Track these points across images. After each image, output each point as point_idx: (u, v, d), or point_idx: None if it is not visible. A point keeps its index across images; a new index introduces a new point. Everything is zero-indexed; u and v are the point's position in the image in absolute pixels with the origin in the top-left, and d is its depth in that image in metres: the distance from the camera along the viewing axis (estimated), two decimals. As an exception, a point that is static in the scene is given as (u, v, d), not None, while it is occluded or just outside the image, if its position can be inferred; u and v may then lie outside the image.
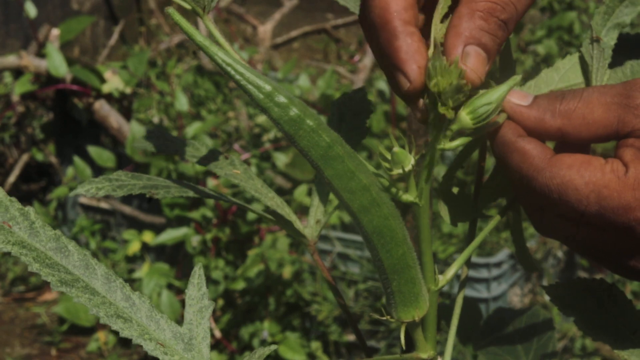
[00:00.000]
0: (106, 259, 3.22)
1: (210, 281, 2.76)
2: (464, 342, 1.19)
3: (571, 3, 3.78)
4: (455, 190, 0.70)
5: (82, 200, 3.43)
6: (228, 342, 2.78)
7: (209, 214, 2.81)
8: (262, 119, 3.11)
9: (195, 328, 0.63)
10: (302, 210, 2.68)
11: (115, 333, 0.63)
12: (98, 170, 3.11)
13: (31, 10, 3.43)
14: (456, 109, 0.57)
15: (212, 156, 0.75)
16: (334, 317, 2.74)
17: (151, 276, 2.90)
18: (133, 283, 3.16)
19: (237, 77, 0.58)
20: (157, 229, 3.09)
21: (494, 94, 0.58)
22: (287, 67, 3.42)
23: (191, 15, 0.65)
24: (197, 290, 0.64)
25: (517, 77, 0.59)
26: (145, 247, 3.17)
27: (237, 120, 3.27)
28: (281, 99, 0.58)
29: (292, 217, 0.73)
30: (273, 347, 0.63)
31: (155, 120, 3.32)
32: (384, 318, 0.62)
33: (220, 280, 2.75)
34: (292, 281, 2.74)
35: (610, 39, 0.65)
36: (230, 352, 2.77)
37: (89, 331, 3.18)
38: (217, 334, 2.78)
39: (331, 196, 0.71)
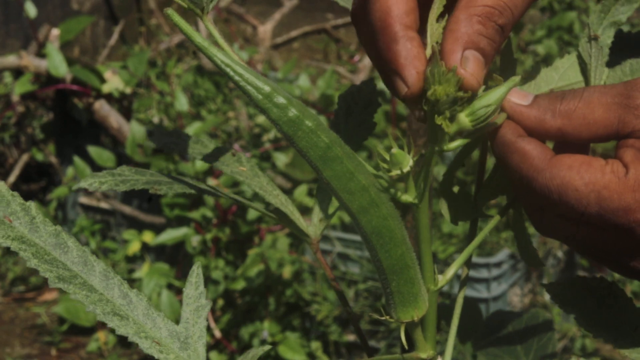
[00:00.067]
0: (106, 259, 3.22)
1: (210, 281, 2.76)
2: (464, 342, 1.19)
3: (571, 3, 3.78)
4: (455, 189, 0.70)
5: (82, 200, 3.43)
6: (228, 342, 2.78)
7: (209, 214, 2.82)
8: (262, 119, 3.11)
9: (192, 327, 0.63)
10: (302, 211, 2.68)
11: (115, 333, 0.62)
12: (98, 170, 3.10)
13: (31, 10, 3.43)
14: (452, 118, 0.58)
15: (219, 153, 0.75)
16: (334, 317, 2.74)
17: (151, 276, 2.90)
18: (133, 283, 3.15)
19: (236, 78, 0.58)
20: (157, 229, 3.09)
21: (493, 96, 0.58)
22: (287, 67, 3.42)
23: (192, 16, 0.65)
24: (194, 289, 0.64)
25: (516, 78, 0.59)
26: (145, 247, 3.17)
27: (237, 120, 3.27)
28: (280, 99, 0.58)
29: (296, 215, 0.73)
30: (267, 347, 0.63)
31: (155, 120, 3.32)
32: (383, 318, 0.62)
33: (220, 280, 2.75)
34: (292, 281, 2.74)
35: (606, 37, 0.65)
36: (230, 352, 2.77)
37: (89, 331, 3.18)
38: (217, 334, 2.78)
39: (333, 195, 0.71)
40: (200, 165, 2.81)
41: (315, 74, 4.05)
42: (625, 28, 0.72)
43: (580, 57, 0.65)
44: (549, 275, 2.96)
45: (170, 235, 2.87)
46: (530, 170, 0.58)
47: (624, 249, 0.58)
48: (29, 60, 3.31)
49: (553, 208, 0.58)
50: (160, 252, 3.19)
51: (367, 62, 3.89)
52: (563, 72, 0.69)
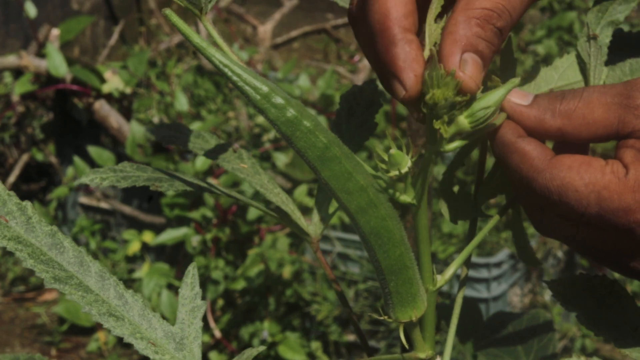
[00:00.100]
0: (106, 259, 3.22)
1: (210, 281, 2.76)
2: (464, 342, 1.19)
3: (571, 3, 3.78)
4: (455, 189, 0.70)
5: (82, 200, 3.43)
6: (228, 342, 2.78)
7: (209, 213, 2.81)
8: (262, 119, 3.11)
9: (187, 327, 0.63)
10: (302, 211, 2.67)
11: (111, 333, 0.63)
12: (99, 170, 3.09)
13: (31, 10, 3.43)
14: (450, 122, 0.58)
15: (220, 149, 0.75)
16: (334, 317, 2.74)
17: (151, 276, 2.90)
18: (133, 283, 3.16)
19: (234, 78, 0.58)
20: (157, 229, 3.09)
21: (492, 98, 0.58)
22: (287, 67, 3.42)
23: (191, 16, 0.65)
24: (190, 290, 0.64)
25: (515, 80, 0.59)
26: (145, 247, 3.17)
27: (237, 120, 3.27)
28: (278, 100, 0.58)
29: (297, 214, 0.73)
30: (262, 348, 0.63)
31: (155, 120, 3.32)
32: (382, 318, 0.62)
33: (220, 280, 2.75)
34: (292, 281, 2.74)
35: (605, 37, 0.65)
36: (230, 352, 2.77)
37: (89, 331, 3.18)
38: (217, 334, 2.78)
39: (334, 195, 0.71)
40: (200, 165, 2.81)
41: (315, 74, 4.05)
42: (625, 28, 0.72)
43: (579, 57, 0.65)
44: (549, 275, 2.96)
45: (170, 235, 2.87)
46: (530, 171, 0.58)
47: (624, 249, 0.58)
48: (29, 60, 3.31)
49: (553, 208, 0.58)
50: (160, 252, 3.19)
51: (367, 62, 3.88)
52: (562, 72, 0.69)
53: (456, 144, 0.59)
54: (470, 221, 0.70)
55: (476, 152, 0.71)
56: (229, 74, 0.58)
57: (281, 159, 2.92)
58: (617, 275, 2.52)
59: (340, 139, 0.61)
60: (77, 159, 3.15)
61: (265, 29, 4.44)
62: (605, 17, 0.65)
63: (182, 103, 3.13)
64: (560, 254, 3.00)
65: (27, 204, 0.60)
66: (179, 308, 0.63)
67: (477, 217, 0.70)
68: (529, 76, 0.69)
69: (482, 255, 2.75)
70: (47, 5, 4.57)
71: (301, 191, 2.76)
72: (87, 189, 3.35)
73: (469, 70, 0.57)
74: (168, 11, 0.57)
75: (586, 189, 0.56)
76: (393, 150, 0.58)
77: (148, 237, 3.10)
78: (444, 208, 0.69)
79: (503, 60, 0.67)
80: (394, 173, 0.59)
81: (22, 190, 3.95)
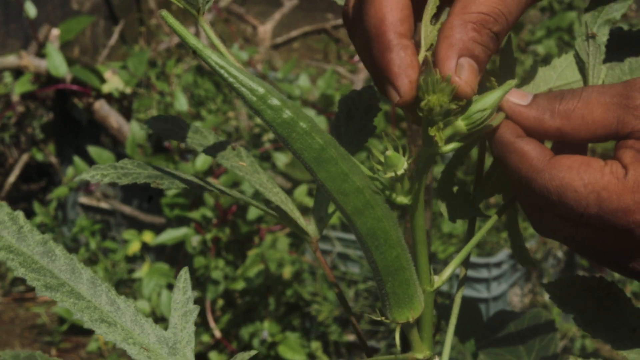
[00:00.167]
0: (106, 259, 3.22)
1: (210, 281, 2.76)
2: (463, 342, 1.19)
3: (571, 3, 3.77)
4: (454, 188, 0.70)
5: (82, 200, 3.43)
6: (228, 342, 2.78)
7: (209, 213, 2.81)
8: (262, 119, 3.10)
9: (180, 332, 0.63)
10: (302, 210, 2.67)
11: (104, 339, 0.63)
12: (98, 170, 3.09)
13: (31, 10, 3.43)
14: (445, 126, 0.58)
15: (219, 146, 0.75)
16: (334, 317, 2.74)
17: (151, 276, 2.90)
18: (133, 283, 3.16)
19: (230, 79, 0.58)
20: (157, 229, 3.09)
21: (488, 100, 0.58)
22: (287, 67, 3.42)
23: (191, 17, 0.65)
24: (182, 294, 0.64)
25: (511, 82, 0.59)
26: (145, 247, 3.17)
27: (237, 120, 3.27)
28: (274, 101, 0.58)
29: (296, 213, 0.73)
30: (253, 352, 0.63)
31: (155, 120, 3.32)
32: (379, 319, 0.62)
33: (220, 280, 2.75)
34: (292, 281, 2.74)
35: (602, 35, 0.65)
36: (230, 352, 2.77)
37: (89, 331, 3.18)
38: (217, 334, 2.78)
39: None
40: (200, 165, 2.81)
41: (315, 74, 4.05)
42: (624, 28, 0.72)
43: (577, 56, 0.65)
44: (549, 275, 2.96)
45: (170, 235, 2.87)
46: (529, 171, 0.58)
47: (623, 250, 0.58)
48: (29, 60, 3.31)
49: (552, 209, 0.58)
50: (160, 252, 3.19)
51: (367, 62, 3.88)
52: (561, 71, 0.69)
53: (452, 145, 0.59)
54: (469, 221, 0.70)
55: (476, 151, 0.71)
56: (225, 75, 0.58)
57: (281, 159, 2.92)
58: (616, 276, 2.51)
59: (339, 142, 0.61)
60: (77, 159, 3.15)
61: (265, 29, 4.44)
62: (601, 16, 0.65)
63: (182, 103, 3.13)
64: (560, 254, 3.00)
65: (19, 213, 0.61)
66: (171, 312, 0.63)
67: (476, 216, 0.70)
68: (528, 76, 0.69)
69: (482, 255, 2.75)
70: (47, 5, 4.57)
71: (301, 191, 2.76)
72: (87, 189, 3.35)
73: (464, 75, 0.57)
74: (164, 12, 0.57)
75: (585, 190, 0.56)
76: (389, 152, 0.58)
77: (148, 237, 3.10)
78: (442, 207, 0.69)
79: (502, 60, 0.67)
80: (390, 174, 0.59)
81: (22, 190, 3.95)
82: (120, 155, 3.19)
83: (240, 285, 2.72)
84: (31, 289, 3.48)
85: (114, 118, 3.28)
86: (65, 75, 3.24)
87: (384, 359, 0.63)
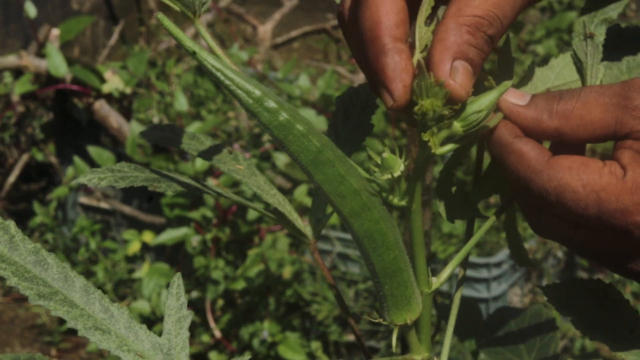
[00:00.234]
0: (106, 259, 3.23)
1: (210, 281, 2.76)
2: (463, 342, 1.19)
3: (571, 3, 3.77)
4: (453, 188, 0.70)
5: (82, 200, 3.43)
6: (228, 342, 2.78)
7: (209, 214, 2.81)
8: (262, 119, 3.10)
9: (174, 338, 0.63)
10: (302, 210, 2.68)
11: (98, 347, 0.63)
12: (99, 169, 3.09)
13: (31, 10, 3.43)
14: (440, 130, 0.58)
15: (215, 150, 0.75)
16: (334, 317, 2.74)
17: (151, 276, 2.90)
18: (133, 283, 3.16)
19: (227, 82, 0.58)
20: (157, 229, 3.09)
21: (484, 101, 0.58)
22: (287, 67, 3.42)
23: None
24: (175, 300, 0.64)
25: (507, 83, 0.59)
26: (145, 247, 3.17)
27: (237, 120, 3.27)
28: (271, 103, 0.58)
29: (294, 215, 0.73)
30: (247, 356, 0.63)
31: (155, 120, 3.32)
32: (377, 321, 0.62)
33: (220, 280, 2.75)
34: (292, 281, 2.74)
35: (599, 35, 0.65)
36: (230, 352, 2.77)
37: (89, 331, 3.18)
38: (217, 334, 2.78)
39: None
40: (200, 165, 2.81)
41: (315, 74, 4.05)
42: (623, 25, 0.72)
43: (575, 56, 0.65)
44: (549, 275, 2.96)
45: (170, 235, 2.87)
46: (528, 172, 0.58)
47: (622, 250, 0.58)
48: (29, 60, 3.31)
49: (550, 209, 0.58)
50: (160, 252, 3.19)
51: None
52: (559, 71, 0.69)
53: (448, 147, 0.59)
54: (467, 221, 0.70)
55: (475, 151, 0.71)
56: (222, 77, 0.58)
57: (281, 159, 2.92)
58: (616, 276, 2.51)
59: (337, 141, 0.61)
60: (77, 159, 3.15)
61: (265, 29, 4.44)
62: (598, 15, 0.65)
63: (181, 103, 3.13)
64: (560, 254, 3.00)
65: (10, 222, 0.61)
66: (165, 319, 0.63)
67: (474, 217, 0.70)
68: (526, 76, 0.69)
69: (482, 255, 2.75)
70: (47, 5, 4.57)
71: (301, 191, 2.76)
72: (87, 189, 3.35)
73: (459, 78, 0.57)
74: (160, 15, 0.57)
75: (584, 191, 0.56)
76: (386, 154, 0.58)
77: (148, 237, 3.10)
78: (441, 207, 0.69)
79: (501, 60, 0.67)
80: (387, 176, 0.59)
81: (22, 190, 3.95)
82: (120, 155, 3.19)
83: (240, 285, 2.72)
84: (31, 289, 3.48)
85: (114, 118, 3.28)
86: (65, 75, 3.24)
87: None
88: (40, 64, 3.31)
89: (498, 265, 2.67)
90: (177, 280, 0.64)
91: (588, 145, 0.64)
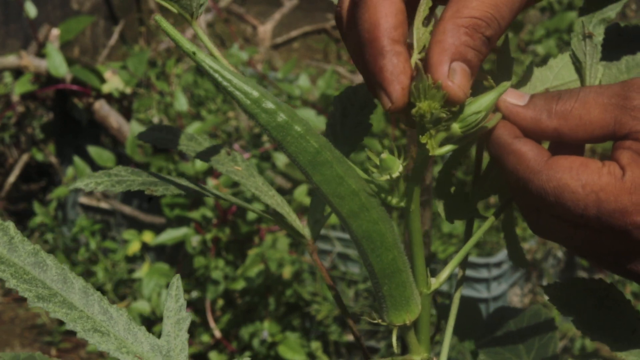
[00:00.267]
0: (106, 259, 3.23)
1: (210, 281, 2.76)
2: (463, 342, 1.19)
3: (571, 3, 3.77)
4: (452, 188, 0.70)
5: (82, 200, 3.43)
6: (228, 342, 2.78)
7: (209, 214, 2.81)
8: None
9: (174, 340, 0.63)
10: (303, 210, 2.68)
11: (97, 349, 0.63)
12: (98, 170, 3.10)
13: (31, 10, 3.43)
14: (437, 132, 0.58)
15: (213, 151, 0.75)
16: (334, 317, 2.74)
17: (151, 276, 2.90)
18: (133, 283, 3.15)
19: (225, 83, 0.58)
20: (157, 229, 3.09)
21: (483, 102, 0.58)
22: (287, 67, 3.42)
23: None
24: (174, 302, 0.64)
25: (506, 84, 0.59)
26: (145, 247, 3.17)
27: (237, 120, 3.27)
28: (269, 105, 0.58)
29: (292, 216, 0.73)
30: (246, 356, 0.63)
31: (155, 120, 3.32)
32: (375, 321, 0.62)
33: (220, 280, 2.75)
34: (292, 281, 2.74)
35: (598, 35, 0.65)
36: (230, 352, 2.77)
37: (89, 331, 3.18)
38: (217, 334, 2.78)
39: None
40: (200, 165, 2.81)
41: (315, 74, 4.05)
42: (623, 23, 0.72)
43: (574, 56, 0.65)
44: (549, 275, 2.95)
45: (170, 235, 2.87)
46: (527, 172, 0.58)
47: (621, 251, 0.58)
48: (29, 60, 3.31)
49: (549, 210, 0.58)
50: (160, 252, 3.19)
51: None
52: (557, 71, 0.69)
53: (447, 148, 0.59)
54: (467, 221, 0.70)
55: (474, 151, 0.71)
56: (219, 79, 0.58)
57: (281, 159, 2.92)
58: (616, 276, 2.51)
59: (335, 141, 0.61)
60: (77, 159, 3.15)
61: (265, 29, 4.44)
62: (597, 15, 0.65)
63: (182, 103, 3.13)
64: (560, 254, 3.00)
65: (9, 224, 0.61)
66: (164, 321, 0.63)
67: (473, 217, 0.70)
68: (525, 76, 0.69)
69: (482, 255, 2.74)
70: (47, 5, 4.57)
71: (301, 191, 2.76)
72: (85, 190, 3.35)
73: (457, 79, 0.57)
74: (158, 17, 0.57)
75: (583, 191, 0.56)
76: (384, 155, 0.58)
77: (148, 237, 3.10)
78: (440, 207, 0.69)
79: (500, 60, 0.67)
80: (385, 177, 0.59)
81: (22, 190, 3.95)
82: (120, 155, 3.19)
83: (240, 285, 2.72)
84: (31, 289, 3.48)
85: (114, 118, 3.28)
86: (65, 75, 3.24)
87: None
88: (40, 64, 3.31)
89: (498, 265, 2.67)
90: (176, 281, 0.64)
91: (588, 145, 0.64)
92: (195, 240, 2.83)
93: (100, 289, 3.14)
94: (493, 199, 2.52)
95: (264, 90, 0.58)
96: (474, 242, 0.66)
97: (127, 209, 3.26)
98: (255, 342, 2.71)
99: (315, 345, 2.74)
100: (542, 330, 1.00)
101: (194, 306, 2.85)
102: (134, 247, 3.11)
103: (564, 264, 3.04)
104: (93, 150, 3.13)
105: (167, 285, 2.92)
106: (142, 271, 3.01)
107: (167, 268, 2.96)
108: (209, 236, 2.81)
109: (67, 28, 3.49)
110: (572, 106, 0.58)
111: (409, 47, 0.60)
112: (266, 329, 2.71)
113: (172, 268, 2.98)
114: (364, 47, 0.59)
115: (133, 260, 3.22)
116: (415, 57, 0.59)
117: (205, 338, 2.81)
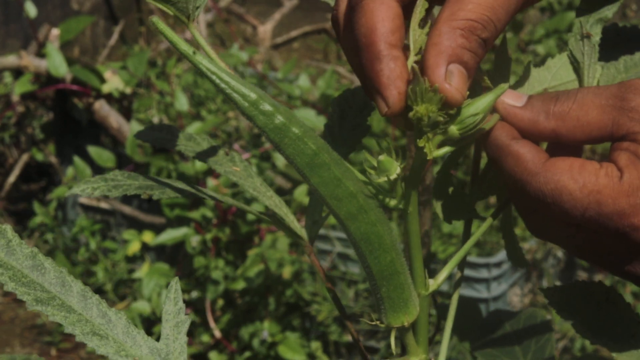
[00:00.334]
0: (106, 259, 3.23)
1: (210, 281, 2.76)
2: (463, 342, 1.19)
3: (571, 3, 3.77)
4: (450, 189, 0.70)
5: (82, 200, 3.43)
6: (228, 342, 2.78)
7: (209, 214, 2.81)
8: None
9: (172, 343, 0.62)
10: (303, 210, 2.67)
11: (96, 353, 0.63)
12: (98, 170, 3.11)
13: (31, 10, 3.43)
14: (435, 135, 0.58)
15: (212, 152, 0.75)
16: (334, 317, 2.74)
17: (151, 276, 2.90)
18: (133, 283, 3.15)
19: (222, 85, 0.58)
20: (157, 229, 3.09)
21: (481, 104, 0.58)
22: (287, 67, 3.41)
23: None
24: (173, 305, 0.64)
25: (504, 86, 0.59)
26: (145, 247, 3.17)
27: (237, 120, 3.27)
28: (266, 106, 0.58)
29: (290, 217, 0.72)
30: (246, 356, 0.63)
31: (155, 120, 3.32)
32: (374, 323, 0.62)
33: (220, 280, 2.75)
34: (292, 281, 2.73)
35: (595, 34, 0.65)
36: (230, 352, 2.77)
37: (89, 331, 3.18)
38: (217, 334, 2.78)
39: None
40: (200, 165, 2.81)
41: (315, 74, 4.05)
42: (622, 23, 0.72)
43: (572, 56, 0.65)
44: (549, 275, 2.95)
45: (170, 235, 2.87)
46: (524, 174, 0.58)
47: (619, 252, 0.58)
48: (29, 60, 3.31)
49: (547, 211, 0.58)
50: (160, 252, 3.19)
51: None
52: (555, 72, 0.68)
53: (445, 150, 0.58)
54: (465, 222, 0.70)
55: (473, 152, 0.71)
56: (217, 81, 0.58)
57: (281, 159, 2.92)
58: (616, 278, 2.50)
59: (333, 143, 0.61)
60: (77, 159, 3.15)
61: (265, 29, 4.44)
62: (594, 15, 0.65)
63: (182, 103, 3.13)
64: (560, 254, 3.00)
65: (7, 227, 0.60)
66: (162, 324, 0.63)
67: (472, 217, 0.70)
68: (522, 77, 0.69)
69: (482, 255, 2.74)
70: (47, 5, 4.57)
71: (301, 191, 2.76)
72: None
73: (454, 81, 0.56)
74: (155, 19, 0.57)
75: (580, 193, 0.56)
76: (382, 157, 0.58)
77: (148, 237, 3.10)
78: (438, 208, 0.69)
79: (498, 60, 0.67)
80: (383, 179, 0.58)
81: (22, 190, 3.95)
82: (120, 155, 3.19)
83: (240, 285, 2.72)
84: (31, 289, 3.48)
85: (114, 118, 3.28)
86: (65, 75, 3.24)
87: None
88: (40, 64, 3.31)
89: (498, 265, 2.67)
90: (175, 284, 0.64)
91: (588, 146, 0.64)
92: (195, 240, 2.83)
93: (100, 289, 3.14)
94: (493, 199, 2.52)
95: (262, 92, 0.58)
96: (472, 243, 0.66)
97: (127, 209, 3.26)
98: (255, 342, 2.71)
99: (315, 345, 2.74)
100: (539, 331, 1.00)
101: (194, 306, 2.85)
102: (134, 247, 3.11)
103: (564, 264, 3.04)
104: (93, 150, 3.13)
105: (167, 286, 2.91)
106: (142, 271, 3.01)
107: (167, 268, 2.96)
108: (209, 236, 2.81)
109: (67, 28, 3.49)
110: (569, 107, 0.58)
111: (407, 50, 0.59)
112: (266, 329, 2.71)
113: (172, 268, 2.98)
114: (360, 51, 0.59)
115: (133, 260, 3.22)
116: (412, 59, 0.58)
117: (205, 338, 2.81)
